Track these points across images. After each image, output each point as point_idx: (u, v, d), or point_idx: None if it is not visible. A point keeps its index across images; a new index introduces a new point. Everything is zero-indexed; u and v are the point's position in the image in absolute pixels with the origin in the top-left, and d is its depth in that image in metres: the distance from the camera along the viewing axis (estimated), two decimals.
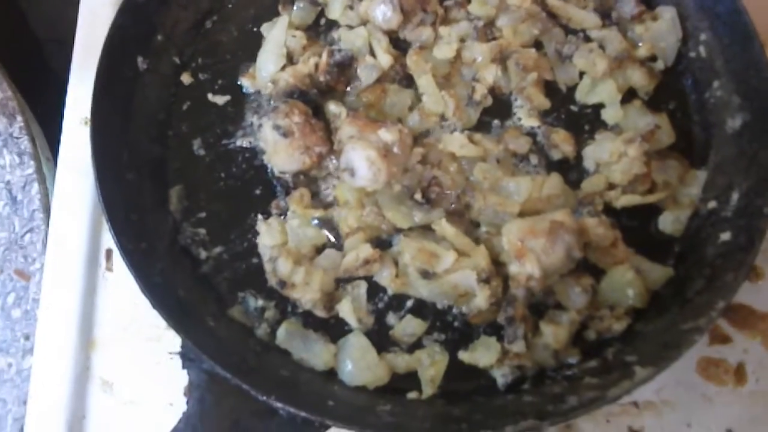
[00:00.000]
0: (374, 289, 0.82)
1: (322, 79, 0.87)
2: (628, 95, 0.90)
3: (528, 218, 0.81)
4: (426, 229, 0.83)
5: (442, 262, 0.79)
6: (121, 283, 0.83)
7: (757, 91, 0.84)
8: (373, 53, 0.89)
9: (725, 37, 0.87)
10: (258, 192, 0.85)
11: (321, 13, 0.93)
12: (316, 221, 0.83)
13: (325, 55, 0.87)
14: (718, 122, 0.87)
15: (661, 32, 0.90)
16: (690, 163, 0.87)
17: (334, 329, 0.81)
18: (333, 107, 0.85)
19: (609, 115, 0.88)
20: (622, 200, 0.83)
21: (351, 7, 0.91)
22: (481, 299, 0.78)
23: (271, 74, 0.87)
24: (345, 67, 0.87)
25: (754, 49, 0.84)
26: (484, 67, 0.88)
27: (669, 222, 0.84)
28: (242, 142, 0.87)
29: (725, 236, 0.81)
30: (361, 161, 0.81)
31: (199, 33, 0.92)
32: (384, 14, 0.88)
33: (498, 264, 0.81)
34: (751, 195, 0.81)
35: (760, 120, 0.83)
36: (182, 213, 0.84)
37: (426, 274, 0.80)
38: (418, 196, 0.83)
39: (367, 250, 0.80)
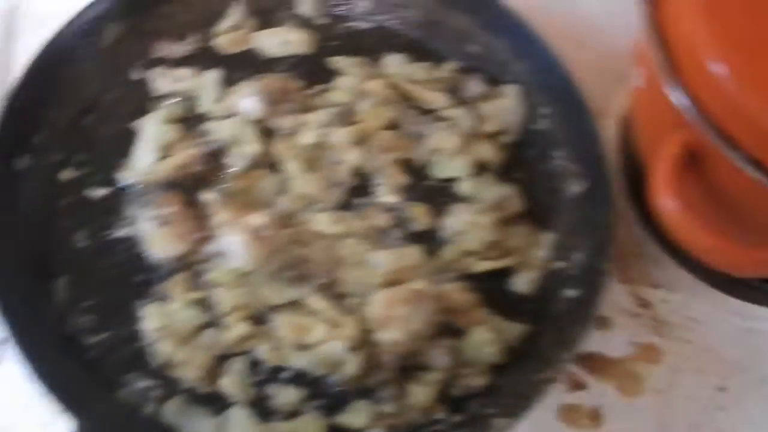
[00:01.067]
0: (254, 363, 0.91)
1: (194, 169, 0.95)
2: (480, 168, 1.00)
3: (393, 288, 0.91)
4: (299, 304, 0.91)
5: (313, 334, 0.89)
6: (12, 372, 0.89)
7: (593, 160, 0.96)
8: (242, 143, 0.97)
9: (562, 111, 1.00)
10: (140, 279, 0.94)
11: (192, 107, 1.01)
12: (195, 303, 0.91)
13: (194, 149, 0.96)
14: (561, 189, 1.01)
15: (506, 109, 1.03)
16: (538, 227, 0.98)
17: (217, 403, 0.89)
18: (207, 195, 0.94)
19: (462, 187, 0.99)
20: (478, 266, 0.94)
21: (221, 100, 1.00)
22: (352, 366, 0.88)
23: (146, 167, 0.97)
24: (216, 157, 0.97)
25: (587, 121, 0.98)
26: (345, 150, 0.98)
27: (521, 283, 0.96)
28: (122, 232, 0.96)
29: (571, 293, 0.93)
30: (234, 245, 0.91)
31: (77, 130, 0.99)
32: (250, 106, 0.99)
33: (366, 332, 0.90)
34: (592, 255, 0.93)
35: (597, 186, 0.96)
36: (68, 303, 0.93)
37: (300, 346, 0.89)
38: (289, 273, 0.91)
39: (243, 328, 0.90)
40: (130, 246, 0.97)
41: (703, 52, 0.76)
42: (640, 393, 0.99)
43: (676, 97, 0.77)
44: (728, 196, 0.84)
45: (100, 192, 1.00)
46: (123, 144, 1.02)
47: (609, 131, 1.08)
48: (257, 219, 0.93)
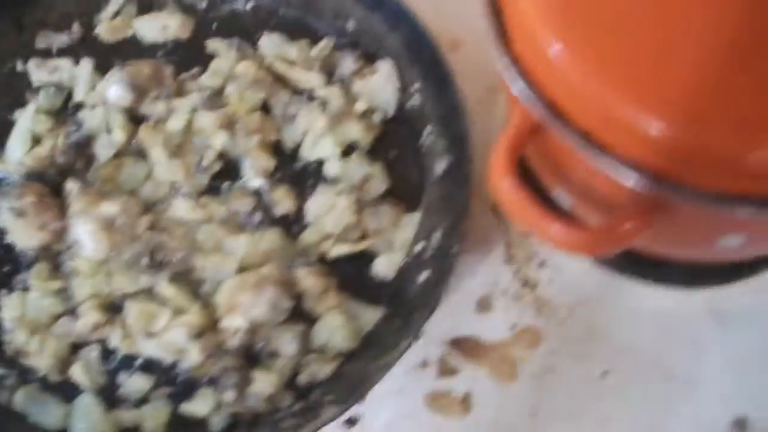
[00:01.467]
0: (106, 351, 0.92)
1: (61, 159, 0.97)
2: (349, 148, 0.98)
3: (241, 274, 0.91)
4: (152, 292, 0.92)
5: (158, 321, 0.90)
6: None
7: (457, 136, 0.94)
8: (109, 131, 0.98)
9: (431, 86, 0.98)
10: (6, 269, 0.95)
11: (69, 96, 1.03)
12: (56, 291, 0.93)
13: (61, 137, 0.98)
14: (429, 166, 0.98)
15: (378, 85, 1.01)
16: (405, 207, 0.95)
17: (70, 391, 0.91)
18: (69, 185, 0.96)
19: (329, 168, 0.97)
20: (333, 251, 0.93)
21: (94, 88, 1.01)
22: (195, 354, 0.89)
23: (18, 158, 0.99)
24: (82, 147, 0.99)
25: (453, 95, 0.95)
26: (212, 134, 0.99)
27: (382, 266, 0.95)
28: None
29: (423, 276, 0.91)
30: (84, 235, 0.93)
31: None
32: (116, 93, 1.00)
33: (213, 319, 0.90)
34: (446, 236, 0.91)
35: (459, 163, 0.93)
36: None
37: (148, 334, 0.90)
38: (145, 260, 0.92)
39: (95, 316, 0.91)
40: (1, 237, 0.98)
41: (533, 23, 0.71)
42: (515, 378, 0.95)
43: (504, 69, 0.74)
44: (572, 177, 0.81)
45: None
46: (3, 135, 1.04)
47: (501, 106, 1.04)
48: (109, 208, 0.94)
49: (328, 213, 0.96)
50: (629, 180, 0.67)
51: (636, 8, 0.67)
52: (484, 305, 0.99)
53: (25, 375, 0.94)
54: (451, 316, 0.98)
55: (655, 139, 0.64)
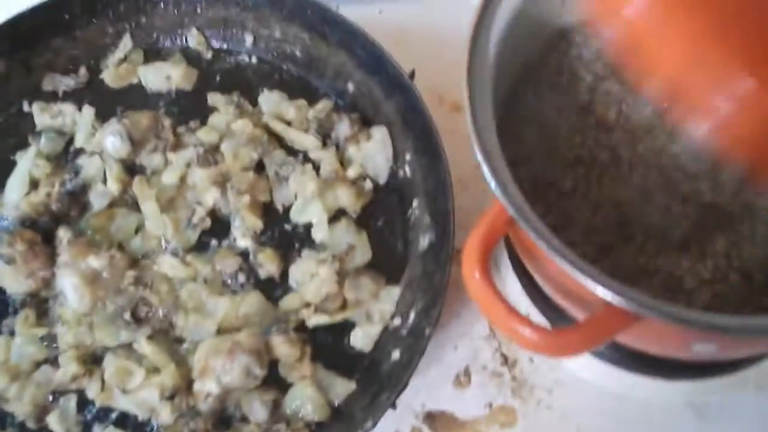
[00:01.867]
0: (83, 402, 0.95)
1: (54, 206, 1.00)
2: (340, 213, 1.00)
3: (217, 338, 0.93)
4: (131, 347, 0.95)
5: (133, 379, 0.92)
6: None
7: (442, 212, 0.94)
8: (104, 180, 1.01)
9: (422, 157, 0.98)
10: None
11: (71, 142, 1.05)
12: (40, 338, 0.95)
13: (57, 184, 1.00)
14: (414, 240, 0.98)
15: (371, 152, 1.02)
16: (387, 279, 0.97)
17: None
18: (61, 233, 0.99)
19: (317, 233, 0.99)
20: (312, 320, 0.95)
21: (94, 135, 1.04)
22: (165, 414, 0.91)
23: (15, 202, 1.02)
24: (77, 195, 1.02)
25: (441, 170, 0.95)
26: (204, 190, 1.00)
27: (359, 338, 0.96)
28: None
29: (396, 354, 0.92)
30: (68, 287, 0.96)
31: None
32: (113, 144, 1.02)
33: (187, 380, 0.92)
34: (422, 315, 0.91)
35: (441, 240, 0.94)
36: None
37: (124, 390, 0.92)
38: (127, 315, 0.95)
39: (74, 367, 0.93)
40: None
41: None
42: None
43: (481, 163, 0.74)
44: (547, 271, 0.82)
45: None
46: (4, 177, 1.06)
47: None
48: (94, 262, 0.96)
49: (310, 281, 0.96)
50: (595, 288, 0.67)
51: None
52: (462, 380, 0.99)
53: (3, 420, 0.96)
54: (427, 389, 0.99)
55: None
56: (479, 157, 0.73)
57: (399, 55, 1.04)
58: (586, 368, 0.98)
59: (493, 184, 0.71)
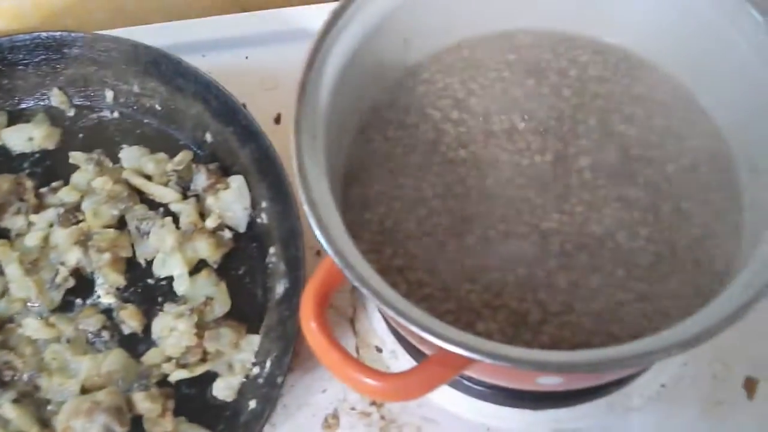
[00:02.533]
0: None
1: None
2: (202, 264, 1.01)
3: (78, 397, 0.95)
4: None
5: None
6: None
7: (294, 259, 0.96)
8: None
9: (276, 204, 1.00)
10: None
11: None
12: None
13: None
14: (272, 287, 1.00)
15: (229, 201, 1.04)
16: (248, 328, 0.98)
17: None
18: None
19: (178, 286, 1.00)
20: (173, 375, 0.96)
21: None
22: None
23: None
24: None
25: (293, 217, 0.97)
26: (67, 250, 1.02)
27: (222, 388, 0.97)
28: None
29: (252, 404, 0.93)
30: None
31: None
32: None
33: None
34: (275, 364, 0.93)
35: (295, 288, 0.96)
36: None
37: None
38: None
39: None
40: None
41: None
42: None
43: (308, 216, 0.75)
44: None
45: None
46: None
47: None
48: None
49: (169, 335, 0.98)
50: (425, 336, 0.69)
51: None
52: (330, 423, 1.01)
53: None
54: None
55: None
56: (306, 208, 0.74)
57: (266, 99, 1.07)
58: (453, 403, 0.99)
59: (318, 233, 0.73)
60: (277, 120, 1.10)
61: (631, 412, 0.98)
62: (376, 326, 1.02)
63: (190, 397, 0.98)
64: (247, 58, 1.22)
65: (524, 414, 0.98)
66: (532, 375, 0.78)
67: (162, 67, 1.08)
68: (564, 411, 0.98)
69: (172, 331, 0.99)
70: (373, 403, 1.01)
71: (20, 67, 1.13)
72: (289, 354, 0.92)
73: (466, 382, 0.99)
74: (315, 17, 1.17)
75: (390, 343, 1.00)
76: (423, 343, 0.78)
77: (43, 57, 1.13)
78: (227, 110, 1.05)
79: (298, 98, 0.80)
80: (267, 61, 1.21)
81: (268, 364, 0.95)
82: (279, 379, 0.91)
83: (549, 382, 0.80)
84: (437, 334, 0.68)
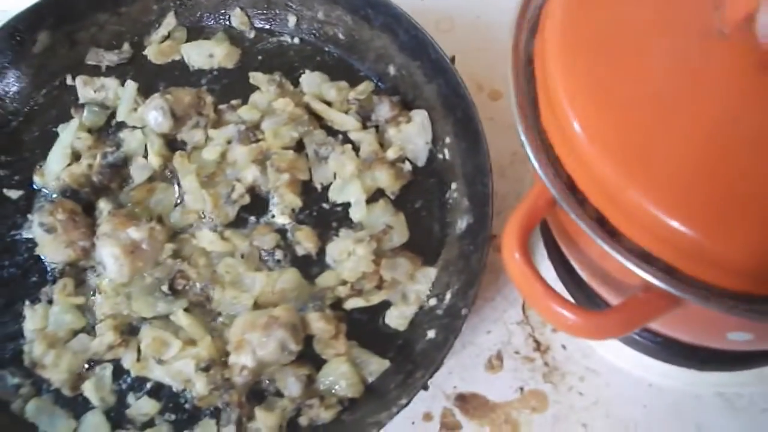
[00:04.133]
0: (119, 372, 0.98)
1: (95, 178, 1.02)
2: (378, 194, 1.02)
3: (253, 312, 0.95)
4: (168, 319, 0.97)
5: (169, 350, 0.94)
6: None
7: (480, 198, 0.97)
8: (145, 154, 1.04)
9: (462, 141, 1.00)
10: (34, 279, 1.02)
11: (113, 116, 1.08)
12: (75, 308, 0.98)
13: (98, 157, 1.03)
14: (452, 222, 1.00)
15: (411, 134, 1.04)
16: (424, 260, 0.99)
17: (80, 407, 0.96)
18: (101, 205, 1.02)
19: (355, 213, 1.01)
20: (349, 303, 0.98)
21: (136, 110, 1.06)
22: (200, 385, 0.93)
23: (56, 173, 1.05)
24: (118, 168, 1.04)
25: (481, 155, 0.97)
26: (244, 167, 1.03)
27: (394, 317, 0.98)
28: (28, 234, 1.03)
29: (431, 334, 0.94)
30: (108, 257, 0.98)
31: (3, 132, 1.08)
32: (155, 119, 1.04)
33: (223, 353, 0.94)
34: (458, 296, 0.94)
35: (479, 224, 0.96)
36: None
37: (159, 360, 0.95)
38: (165, 287, 0.97)
39: (110, 336, 0.96)
40: (32, 247, 1.05)
41: (557, 99, 0.72)
42: None
43: (524, 142, 0.75)
44: (586, 254, 0.82)
45: (15, 193, 1.08)
46: (44, 148, 1.09)
47: None
48: (134, 233, 0.98)
49: (347, 259, 0.98)
50: (635, 270, 0.67)
51: (668, 102, 0.68)
52: (494, 364, 1.01)
53: (40, 386, 0.98)
54: (460, 371, 1.01)
55: (666, 235, 0.65)
56: (524, 138, 0.74)
57: (439, 41, 1.06)
58: (618, 356, 0.99)
59: (537, 164, 0.72)
60: (451, 62, 1.09)
61: None
62: (545, 274, 1.01)
63: (362, 323, 0.99)
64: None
65: (689, 374, 0.99)
66: (730, 328, 0.77)
67: None
68: (728, 375, 0.98)
69: (350, 255, 0.99)
70: (537, 349, 1.01)
71: None
72: (474, 287, 0.92)
73: (636, 336, 0.98)
74: None
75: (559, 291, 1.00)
76: (618, 287, 0.79)
77: None
78: (416, 43, 1.05)
79: (515, 33, 0.79)
80: (441, 3, 1.21)
81: (448, 296, 0.96)
82: (463, 311, 0.91)
83: (740, 338, 0.79)
84: (661, 271, 0.67)
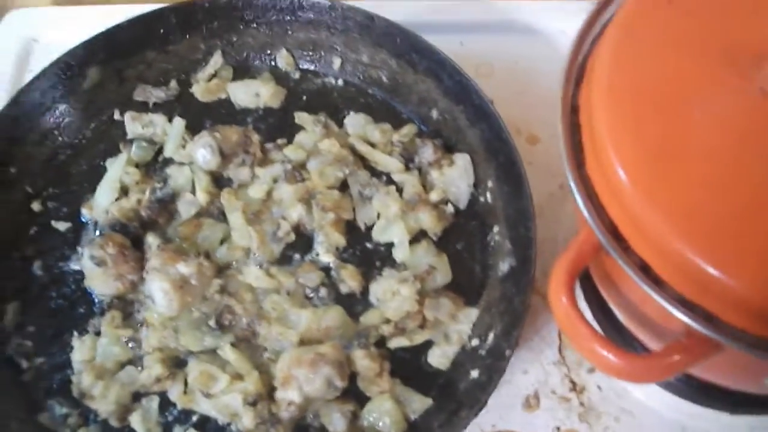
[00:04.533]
0: (165, 404, 1.00)
1: (144, 213, 1.05)
2: (421, 235, 1.04)
3: (300, 348, 0.98)
4: (215, 353, 0.99)
5: (217, 384, 0.97)
6: None
7: (523, 239, 0.99)
8: (193, 191, 1.06)
9: (504, 185, 1.03)
10: (81, 311, 1.04)
11: (160, 151, 1.11)
12: (125, 340, 1.00)
13: (147, 192, 1.06)
14: (493, 265, 1.03)
15: (454, 177, 1.07)
16: (465, 301, 1.01)
17: None
18: (150, 239, 1.04)
19: (398, 253, 1.04)
20: (393, 342, 1.00)
21: (184, 147, 1.09)
22: (247, 419, 0.96)
23: (104, 206, 1.07)
24: (166, 203, 1.07)
25: (523, 199, 1.00)
26: (290, 206, 1.06)
27: (437, 356, 1.00)
28: (76, 265, 1.06)
29: (474, 374, 0.96)
30: (157, 291, 1.00)
31: (52, 165, 1.11)
32: (204, 157, 1.07)
33: (270, 388, 0.97)
34: (501, 337, 0.96)
35: (522, 267, 0.98)
36: (14, 326, 1.03)
37: (207, 394, 0.97)
38: (212, 322, 0.99)
39: (158, 369, 0.98)
40: (80, 279, 1.07)
41: (604, 149, 0.75)
42: None
43: (574, 191, 0.78)
44: (628, 299, 0.85)
45: (64, 225, 1.10)
46: (92, 181, 1.12)
47: (572, 204, 1.08)
48: (184, 268, 1.01)
49: (391, 299, 1.01)
50: (680, 315, 0.70)
51: (714, 153, 0.71)
52: (531, 403, 1.03)
53: (87, 417, 1.00)
54: (498, 410, 1.03)
55: (708, 284, 0.68)
56: (572, 183, 0.77)
57: (480, 85, 1.09)
58: (652, 398, 1.02)
59: (586, 212, 0.75)
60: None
61: None
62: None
63: (406, 361, 1.01)
64: (461, 44, 1.25)
65: (721, 416, 1.01)
66: (765, 374, 0.80)
67: (396, 40, 1.12)
68: (759, 418, 1.00)
69: (394, 294, 1.01)
70: (573, 389, 1.03)
71: (253, 25, 1.17)
72: (518, 328, 0.95)
73: (671, 379, 1.01)
74: (527, 11, 1.27)
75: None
76: (658, 332, 0.82)
77: (276, 18, 1.16)
78: (460, 89, 1.08)
79: (565, 77, 0.82)
80: (481, 48, 1.24)
81: (490, 337, 0.98)
82: (507, 352, 0.94)
83: None
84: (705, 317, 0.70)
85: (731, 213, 0.67)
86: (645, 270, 0.72)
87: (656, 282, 0.71)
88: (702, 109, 0.72)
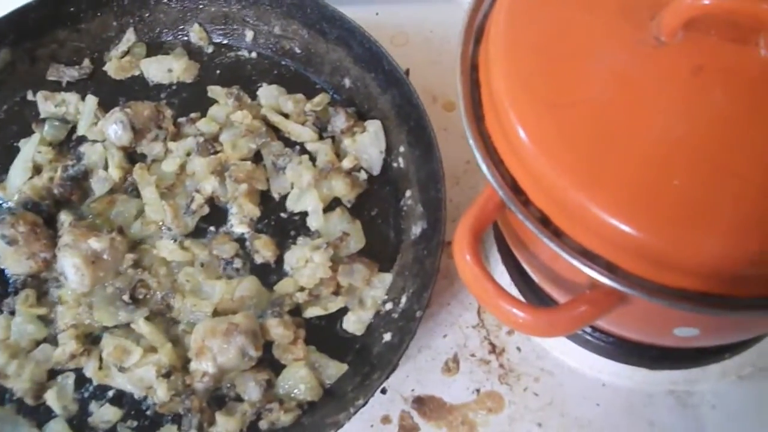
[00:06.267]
0: (82, 380, 0.99)
1: (56, 191, 1.04)
2: (335, 203, 1.04)
3: (214, 319, 0.97)
4: (129, 327, 0.99)
5: (130, 358, 0.96)
6: None
7: (434, 201, 0.99)
8: (105, 167, 1.05)
9: (415, 150, 1.03)
10: None
11: (74, 130, 1.10)
12: (37, 319, 0.99)
13: (59, 170, 1.05)
14: (407, 229, 1.03)
15: (366, 144, 1.07)
16: (380, 266, 1.01)
17: (42, 416, 0.98)
18: (63, 217, 1.03)
19: (312, 222, 1.03)
20: (308, 312, 1.01)
21: (96, 124, 1.08)
22: (161, 392, 0.95)
23: (17, 186, 1.06)
24: (79, 181, 1.06)
25: (434, 162, 1.00)
26: (203, 179, 1.05)
27: (352, 322, 1.00)
28: None
29: (387, 336, 0.96)
30: (69, 267, 0.99)
31: None
32: (115, 132, 1.06)
33: (184, 359, 0.96)
34: (413, 299, 0.96)
35: (433, 228, 0.99)
36: None
37: (121, 368, 0.96)
38: (126, 297, 0.99)
39: (73, 345, 0.97)
40: None
41: (501, 104, 0.75)
42: None
43: (473, 146, 0.78)
44: (535, 254, 0.86)
45: None
46: (7, 162, 1.11)
47: None
48: (95, 243, 1.00)
49: (304, 266, 1.01)
50: (580, 266, 0.70)
51: (607, 106, 0.70)
52: (450, 367, 1.03)
53: (2, 396, 1.00)
54: (417, 374, 1.03)
55: (608, 234, 0.68)
56: (472, 142, 0.77)
57: (394, 55, 1.09)
58: (571, 357, 1.02)
59: (485, 167, 0.75)
60: (406, 74, 1.13)
61: (743, 380, 1.01)
62: (499, 280, 1.04)
63: (321, 328, 1.01)
64: (377, 14, 1.25)
65: (640, 372, 1.01)
66: (676, 324, 0.80)
67: (306, 10, 1.12)
68: (679, 373, 1.01)
69: (307, 262, 1.01)
70: (493, 351, 1.04)
71: (163, 1, 1.16)
72: (429, 290, 0.95)
73: (587, 336, 1.01)
74: None
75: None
76: (567, 287, 0.82)
77: None
78: (371, 56, 1.08)
79: (462, 47, 0.82)
80: (397, 18, 1.24)
81: (403, 299, 0.98)
82: (418, 313, 0.94)
83: (687, 333, 0.82)
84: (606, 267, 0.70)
85: (626, 162, 0.67)
86: (545, 223, 0.73)
87: (557, 235, 0.72)
88: (597, 61, 0.72)
